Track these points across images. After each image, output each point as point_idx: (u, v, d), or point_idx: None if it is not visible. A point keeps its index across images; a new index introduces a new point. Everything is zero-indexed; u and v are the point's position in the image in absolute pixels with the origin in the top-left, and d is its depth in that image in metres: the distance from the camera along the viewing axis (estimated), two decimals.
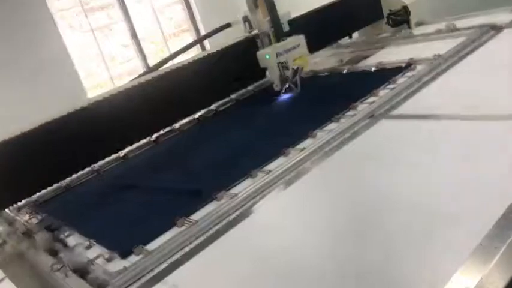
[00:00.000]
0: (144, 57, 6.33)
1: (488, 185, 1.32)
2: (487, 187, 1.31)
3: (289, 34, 2.81)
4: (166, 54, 4.18)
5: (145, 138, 2.72)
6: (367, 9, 3.55)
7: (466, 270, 1.02)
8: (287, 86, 2.73)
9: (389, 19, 3.51)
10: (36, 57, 5.14)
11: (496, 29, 2.74)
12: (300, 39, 2.79)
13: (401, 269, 1.12)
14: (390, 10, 3.50)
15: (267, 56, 2.72)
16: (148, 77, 2.73)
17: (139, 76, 2.96)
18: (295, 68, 2.71)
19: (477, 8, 3.31)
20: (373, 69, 2.76)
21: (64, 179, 2.44)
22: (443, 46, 2.64)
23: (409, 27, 3.47)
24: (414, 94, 2.17)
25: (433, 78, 2.28)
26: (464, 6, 3.69)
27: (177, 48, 3.47)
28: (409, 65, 2.55)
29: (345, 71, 2.94)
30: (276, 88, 2.76)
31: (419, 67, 2.48)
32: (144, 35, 6.38)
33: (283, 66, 2.70)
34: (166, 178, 2.22)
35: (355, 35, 3.74)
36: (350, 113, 2.15)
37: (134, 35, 6.25)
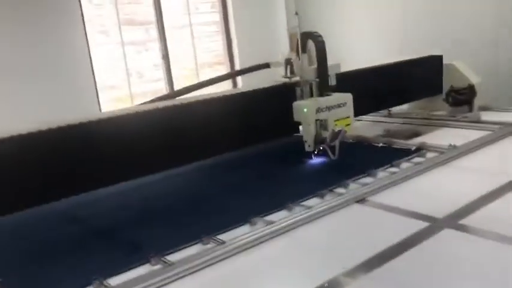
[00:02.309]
0: (170, 79, 6.22)
1: None
2: None
3: (333, 89, 2.45)
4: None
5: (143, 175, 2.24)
6: (426, 80, 3.12)
7: None
8: (321, 148, 2.34)
9: (450, 96, 3.08)
10: (57, 60, 5.07)
11: None
12: (347, 98, 2.41)
13: None
14: (452, 86, 3.07)
15: (305, 109, 2.32)
16: (165, 103, 2.38)
17: (159, 98, 2.76)
18: (336, 130, 2.31)
19: None
20: (380, 145, 2.59)
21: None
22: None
23: (471, 110, 3.02)
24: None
25: None
26: None
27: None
28: (419, 149, 2.40)
29: (351, 140, 2.70)
30: (308, 149, 2.34)
31: (429, 154, 2.33)
32: (177, 59, 6.31)
33: (321, 124, 2.31)
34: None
35: (405, 106, 3.33)
36: (339, 190, 1.99)
37: (165, 56, 6.18)
